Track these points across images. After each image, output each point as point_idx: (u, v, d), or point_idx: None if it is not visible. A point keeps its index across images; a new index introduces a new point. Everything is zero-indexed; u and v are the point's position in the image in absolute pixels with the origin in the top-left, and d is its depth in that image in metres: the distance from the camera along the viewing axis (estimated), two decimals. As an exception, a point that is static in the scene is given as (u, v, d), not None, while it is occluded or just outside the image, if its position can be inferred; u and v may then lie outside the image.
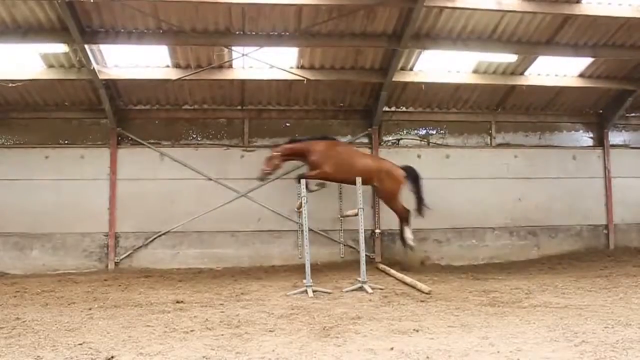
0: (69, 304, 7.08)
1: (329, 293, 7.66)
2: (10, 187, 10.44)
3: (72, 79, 9.78)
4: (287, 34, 9.12)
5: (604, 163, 11.97)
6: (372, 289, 7.71)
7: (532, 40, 9.60)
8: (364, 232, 11.10)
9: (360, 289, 7.78)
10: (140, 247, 10.59)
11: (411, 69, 10.39)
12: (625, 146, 12.28)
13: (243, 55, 9.37)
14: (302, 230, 10.97)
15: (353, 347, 4.40)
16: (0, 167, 10.50)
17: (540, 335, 4.69)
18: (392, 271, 9.36)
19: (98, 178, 10.59)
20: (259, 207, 10.80)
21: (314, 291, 7.62)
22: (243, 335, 5.00)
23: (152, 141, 10.87)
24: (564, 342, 4.43)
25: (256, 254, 10.87)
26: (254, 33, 9.11)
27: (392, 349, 4.29)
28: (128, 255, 10.56)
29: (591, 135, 12.23)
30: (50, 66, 9.64)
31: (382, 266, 10.23)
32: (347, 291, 7.72)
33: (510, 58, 9.93)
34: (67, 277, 9.63)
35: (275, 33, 9.13)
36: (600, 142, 12.10)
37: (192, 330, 5.23)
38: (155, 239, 10.63)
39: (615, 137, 12.24)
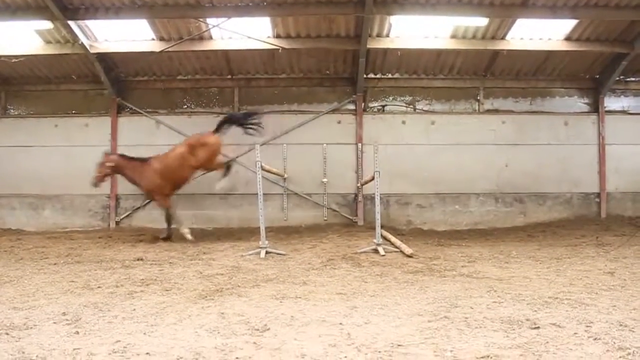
0: (41, 259, 7.25)
1: (283, 255, 7.44)
2: (25, 152, 10.83)
3: (67, 53, 9.84)
4: (254, 3, 8.67)
5: (598, 129, 10.76)
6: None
7: (506, 2, 8.58)
8: (346, 195, 10.91)
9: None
10: (138, 208, 10.76)
11: (387, 36, 9.66)
12: (623, 112, 10.91)
13: (214, 26, 9.05)
14: (287, 194, 10.87)
15: (212, 311, 4.17)
16: (17, 134, 10.88)
17: (413, 308, 4.25)
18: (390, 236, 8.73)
19: (101, 145, 10.68)
20: (248, 171, 10.61)
21: (267, 252, 7.42)
22: (136, 293, 4.89)
23: (149, 110, 10.88)
24: (426, 316, 3.98)
25: (244, 215, 10.72)
26: (222, 4, 8.73)
27: (242, 315, 4.02)
28: (127, 215, 10.78)
29: (586, 101, 10.96)
30: (48, 42, 9.73)
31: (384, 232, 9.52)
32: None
33: (484, 22, 8.97)
34: (69, 234, 9.93)
35: (243, 4, 8.70)
36: (595, 108, 10.83)
37: (98, 287, 5.18)
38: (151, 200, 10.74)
39: (613, 102, 10.90)
